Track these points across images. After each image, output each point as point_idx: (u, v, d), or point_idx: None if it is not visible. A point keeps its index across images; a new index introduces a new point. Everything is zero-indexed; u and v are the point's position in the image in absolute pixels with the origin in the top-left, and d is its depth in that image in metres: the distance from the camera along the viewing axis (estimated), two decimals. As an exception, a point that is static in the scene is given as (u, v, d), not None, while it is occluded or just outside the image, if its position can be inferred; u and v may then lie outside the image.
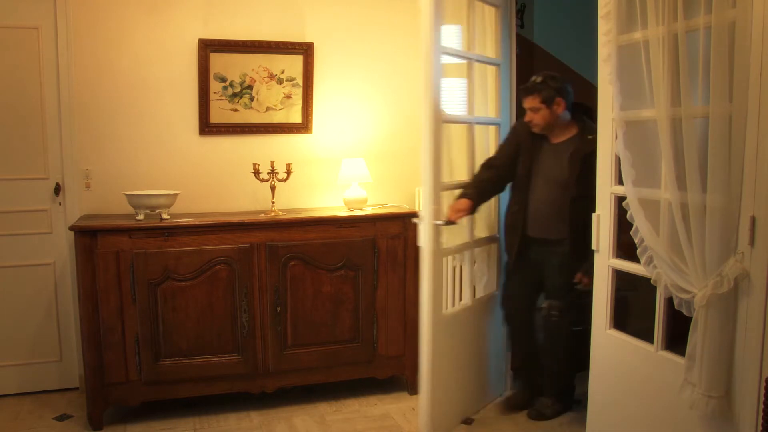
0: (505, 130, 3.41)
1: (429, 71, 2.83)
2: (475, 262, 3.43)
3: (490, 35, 3.39)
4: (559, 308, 3.15)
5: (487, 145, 3.47)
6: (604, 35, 2.56)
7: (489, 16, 3.37)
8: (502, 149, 3.28)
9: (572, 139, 3.13)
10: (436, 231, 2.92)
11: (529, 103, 3.08)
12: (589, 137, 2.91)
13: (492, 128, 3.46)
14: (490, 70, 3.41)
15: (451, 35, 3.25)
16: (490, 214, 3.48)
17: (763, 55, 1.94)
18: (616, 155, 2.56)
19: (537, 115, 3.08)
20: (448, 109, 3.16)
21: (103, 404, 3.13)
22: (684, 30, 2.10)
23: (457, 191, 3.18)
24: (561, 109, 3.08)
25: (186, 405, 3.36)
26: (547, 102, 3.05)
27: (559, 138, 3.16)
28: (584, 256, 2.89)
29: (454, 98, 3.33)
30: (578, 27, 4.62)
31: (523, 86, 3.09)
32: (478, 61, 3.26)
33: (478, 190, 3.15)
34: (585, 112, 3.18)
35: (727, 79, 2.00)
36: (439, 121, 2.91)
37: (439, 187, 2.94)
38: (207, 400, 3.37)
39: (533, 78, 3.09)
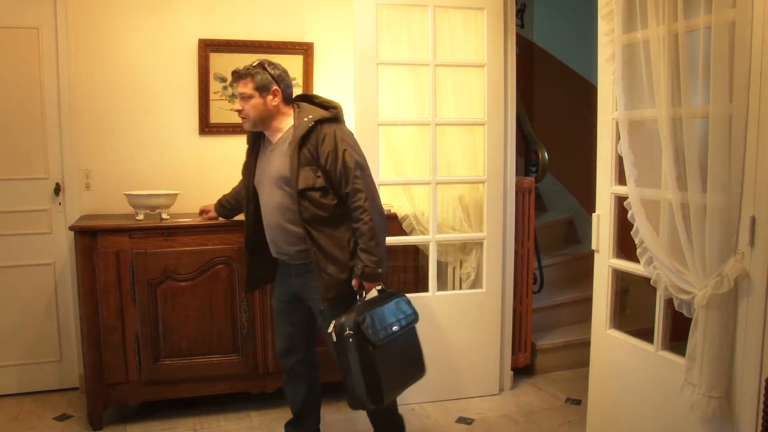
0: (494, 130, 3.43)
1: (362, 81, 3.25)
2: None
3: (474, 38, 3.39)
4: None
5: (474, 144, 3.50)
6: (605, 35, 2.56)
7: (473, 20, 3.39)
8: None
9: (289, 130, 2.62)
10: None
11: (240, 88, 2.59)
12: (305, 119, 2.54)
13: (478, 128, 3.47)
14: (474, 71, 3.42)
15: (401, 43, 3.38)
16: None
17: (763, 55, 1.94)
18: (616, 155, 2.56)
19: (248, 105, 2.58)
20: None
21: (103, 404, 3.13)
22: (684, 30, 2.10)
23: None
24: (277, 101, 2.60)
25: (186, 405, 3.36)
26: (261, 89, 2.57)
27: (278, 134, 2.65)
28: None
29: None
30: (578, 27, 4.62)
31: (235, 70, 2.62)
32: (439, 65, 3.33)
33: (222, 200, 3.19)
34: (307, 99, 2.74)
35: (727, 79, 2.00)
36: (374, 124, 3.28)
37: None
38: (207, 400, 3.37)
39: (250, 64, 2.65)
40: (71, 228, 3.10)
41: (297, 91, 3.70)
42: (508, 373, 3.66)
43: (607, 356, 2.72)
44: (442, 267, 3.62)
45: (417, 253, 3.60)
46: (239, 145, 3.68)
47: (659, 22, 2.19)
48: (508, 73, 3.47)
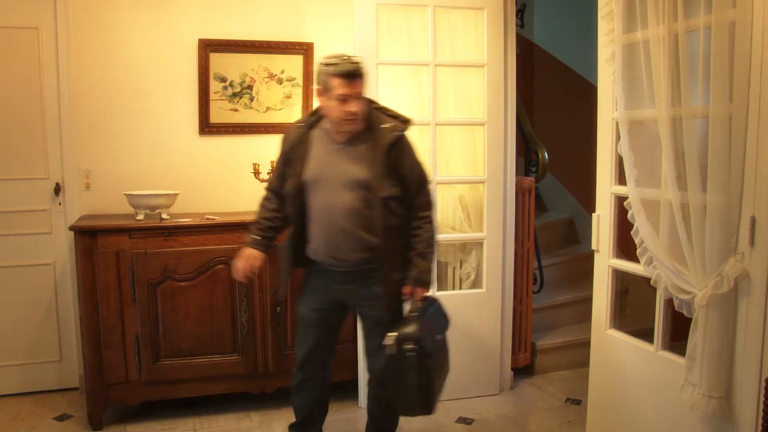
0: (494, 130, 3.43)
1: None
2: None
3: (474, 38, 3.39)
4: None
5: (474, 145, 3.51)
6: (605, 35, 2.56)
7: (473, 20, 3.39)
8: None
9: (362, 133, 2.50)
10: None
11: (358, 87, 2.40)
12: (383, 126, 2.48)
13: (478, 128, 3.47)
14: (474, 71, 3.42)
15: (401, 43, 3.38)
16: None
17: (763, 55, 1.94)
18: (616, 155, 2.56)
19: (360, 104, 2.42)
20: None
21: (103, 404, 3.13)
22: (684, 30, 2.10)
23: None
24: None
25: (186, 405, 3.35)
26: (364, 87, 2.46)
27: (347, 135, 2.50)
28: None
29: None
30: (578, 27, 4.62)
31: (354, 71, 2.38)
32: (438, 65, 3.33)
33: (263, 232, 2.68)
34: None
35: (727, 79, 2.00)
36: None
37: None
38: (207, 400, 3.37)
39: (346, 56, 2.43)
40: (71, 228, 3.10)
41: (297, 91, 3.75)
42: (508, 373, 3.66)
43: (607, 356, 2.72)
44: (442, 267, 3.62)
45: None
46: (239, 145, 3.71)
47: (659, 22, 2.19)
48: (508, 73, 3.47)
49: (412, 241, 2.53)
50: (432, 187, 2.74)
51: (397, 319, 2.50)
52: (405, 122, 2.55)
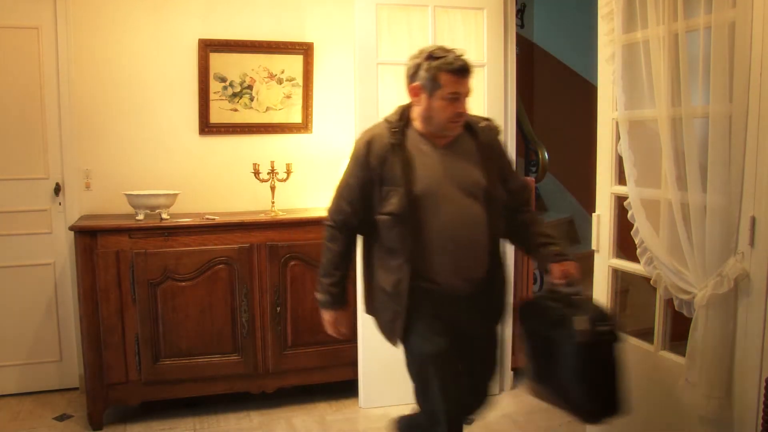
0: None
1: (363, 81, 3.25)
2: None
3: (474, 38, 3.39)
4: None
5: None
6: (605, 35, 2.56)
7: (472, 20, 3.38)
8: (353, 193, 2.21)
9: (460, 134, 2.18)
10: None
11: (467, 84, 2.10)
12: (482, 125, 2.21)
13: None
14: (474, 71, 3.41)
15: (401, 43, 3.34)
16: None
17: (763, 55, 1.94)
18: (616, 155, 2.56)
19: (466, 103, 2.13)
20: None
21: (103, 404, 3.13)
22: (684, 30, 2.10)
23: None
24: None
25: (186, 405, 3.35)
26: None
27: (446, 137, 2.17)
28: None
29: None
30: (578, 27, 4.62)
31: (463, 66, 2.07)
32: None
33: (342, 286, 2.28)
34: None
35: (727, 79, 2.00)
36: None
37: None
38: (207, 400, 3.36)
39: (448, 48, 2.11)
40: (71, 228, 3.10)
41: (297, 91, 3.75)
42: (509, 373, 3.66)
43: (607, 356, 2.71)
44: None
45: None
46: (239, 145, 3.70)
47: (659, 22, 2.19)
48: (508, 73, 3.47)
49: (535, 229, 2.24)
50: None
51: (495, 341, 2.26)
52: (491, 119, 2.31)
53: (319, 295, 2.29)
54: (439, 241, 2.09)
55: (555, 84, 5.19)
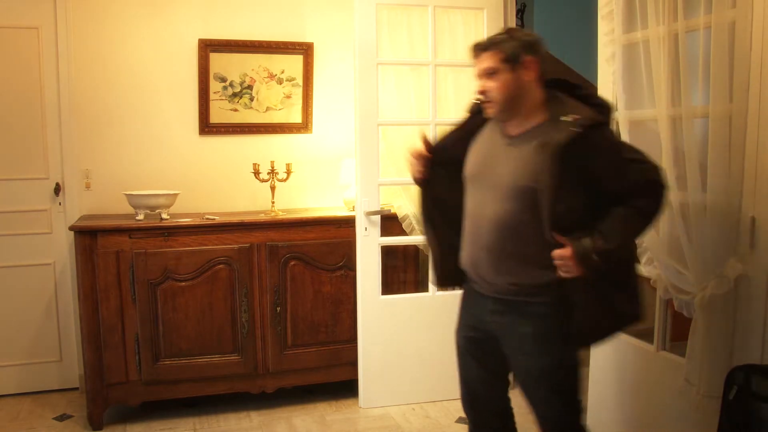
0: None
1: (363, 81, 3.22)
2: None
3: (474, 38, 3.38)
4: None
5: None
6: (605, 35, 2.56)
7: (473, 20, 3.39)
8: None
9: (540, 126, 1.94)
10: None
11: (484, 61, 1.95)
12: (564, 119, 1.87)
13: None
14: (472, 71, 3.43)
15: (401, 43, 3.37)
16: None
17: (763, 55, 1.94)
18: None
19: (494, 83, 1.93)
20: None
21: (103, 404, 3.13)
22: (684, 30, 2.10)
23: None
24: (533, 76, 1.94)
25: (186, 405, 3.35)
26: (512, 60, 1.91)
27: (522, 127, 1.98)
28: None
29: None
30: (578, 27, 4.62)
31: (477, 42, 2.00)
32: (439, 65, 3.34)
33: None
34: (565, 89, 2.01)
35: (727, 79, 2.00)
36: (374, 124, 3.26)
37: (375, 182, 3.29)
38: (207, 400, 3.36)
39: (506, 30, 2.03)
40: (71, 228, 3.10)
41: (297, 91, 3.75)
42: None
43: (607, 356, 2.72)
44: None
45: (417, 253, 3.59)
46: (239, 145, 3.71)
47: (659, 22, 2.19)
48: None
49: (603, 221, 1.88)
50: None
51: (552, 372, 2.02)
52: (599, 113, 1.90)
53: None
54: (467, 228, 2.06)
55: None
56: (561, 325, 1.94)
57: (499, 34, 1.98)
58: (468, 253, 2.06)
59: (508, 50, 1.91)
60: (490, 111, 1.98)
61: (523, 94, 1.94)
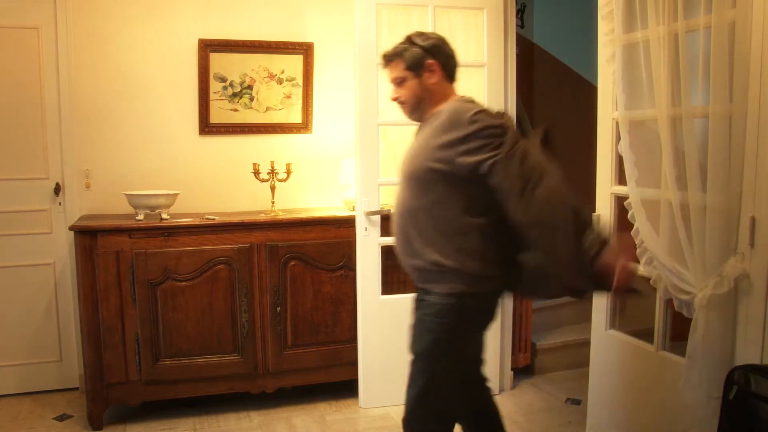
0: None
1: (363, 81, 3.23)
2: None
3: (474, 38, 3.40)
4: None
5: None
6: (605, 35, 2.56)
7: (473, 20, 3.39)
8: None
9: (432, 117, 2.11)
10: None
11: (391, 72, 2.15)
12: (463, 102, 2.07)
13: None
14: (474, 71, 3.42)
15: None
16: None
17: (763, 55, 1.94)
18: (616, 155, 2.56)
19: (403, 90, 2.13)
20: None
21: (103, 404, 3.13)
22: (684, 30, 2.10)
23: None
24: (436, 78, 2.11)
25: (186, 405, 3.35)
26: (415, 68, 2.09)
27: (425, 120, 2.17)
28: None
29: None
30: (578, 27, 4.62)
31: (384, 53, 2.19)
32: None
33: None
34: None
35: (727, 79, 2.00)
36: (374, 124, 3.27)
37: (375, 182, 3.29)
38: (207, 400, 3.36)
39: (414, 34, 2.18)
40: (71, 228, 3.10)
41: (297, 91, 3.75)
42: (508, 373, 3.66)
43: (607, 356, 2.72)
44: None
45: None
46: (239, 145, 3.71)
47: (659, 22, 2.19)
48: (508, 73, 3.47)
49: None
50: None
51: (421, 358, 2.12)
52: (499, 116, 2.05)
53: None
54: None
55: (555, 84, 5.19)
56: (444, 320, 2.04)
57: (402, 42, 2.14)
58: (396, 242, 2.18)
59: (409, 59, 2.10)
60: (404, 113, 2.19)
61: (429, 95, 2.12)
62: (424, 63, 2.09)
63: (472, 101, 2.12)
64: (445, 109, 2.08)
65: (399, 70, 2.12)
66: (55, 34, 3.40)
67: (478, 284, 2.04)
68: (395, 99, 2.17)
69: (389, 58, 2.14)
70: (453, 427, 2.24)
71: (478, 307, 2.09)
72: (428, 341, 2.08)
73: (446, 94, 2.14)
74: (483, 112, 2.00)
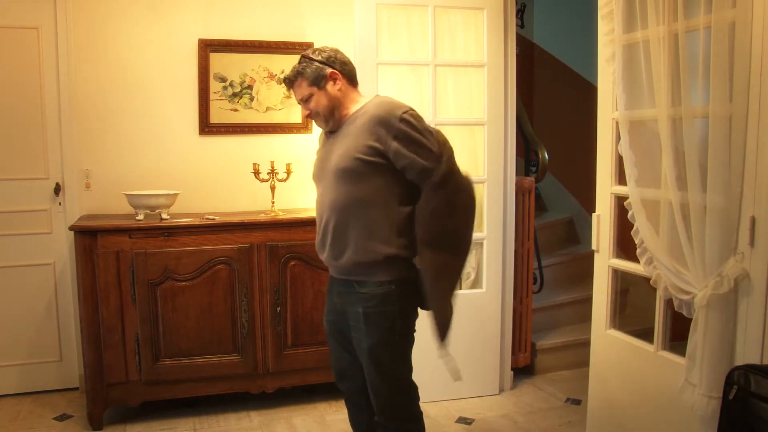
0: (494, 130, 3.43)
1: (363, 81, 3.08)
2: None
3: (474, 38, 3.40)
4: None
5: (474, 144, 3.51)
6: (605, 35, 2.56)
7: (473, 20, 3.39)
8: None
9: (350, 116, 2.21)
10: None
11: (297, 92, 2.24)
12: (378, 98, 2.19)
13: (478, 128, 3.48)
14: (474, 71, 3.43)
15: (401, 43, 3.38)
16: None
17: (763, 55, 1.94)
18: (616, 155, 2.56)
19: (313, 105, 2.20)
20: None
21: (103, 404, 3.13)
22: (684, 30, 2.10)
23: None
24: (340, 85, 2.20)
25: (186, 405, 3.35)
26: (317, 82, 2.18)
27: (342, 122, 2.24)
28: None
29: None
30: (578, 27, 4.62)
31: (285, 77, 2.28)
32: (439, 65, 3.34)
33: None
34: None
35: (727, 79, 2.00)
36: None
37: None
38: (207, 400, 3.37)
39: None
40: (71, 228, 3.10)
41: (297, 91, 3.74)
42: (508, 373, 3.66)
43: (607, 356, 2.72)
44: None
45: (417, 253, 3.60)
46: (239, 145, 3.71)
47: (659, 22, 2.19)
48: (508, 73, 3.47)
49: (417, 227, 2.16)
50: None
51: (377, 351, 2.16)
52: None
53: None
54: (316, 221, 2.28)
55: (555, 84, 5.19)
56: (391, 308, 2.14)
57: (299, 62, 2.22)
58: (318, 240, 2.26)
59: (311, 75, 2.18)
60: (321, 126, 2.28)
61: (339, 102, 2.21)
62: (326, 74, 2.19)
63: (389, 96, 2.26)
64: (370, 104, 2.18)
65: (304, 88, 2.20)
66: (55, 34, 3.40)
67: (410, 270, 2.17)
68: (308, 115, 2.25)
69: (291, 80, 2.23)
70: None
71: (414, 293, 2.19)
72: (381, 332, 2.15)
73: (353, 97, 2.24)
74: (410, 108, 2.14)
